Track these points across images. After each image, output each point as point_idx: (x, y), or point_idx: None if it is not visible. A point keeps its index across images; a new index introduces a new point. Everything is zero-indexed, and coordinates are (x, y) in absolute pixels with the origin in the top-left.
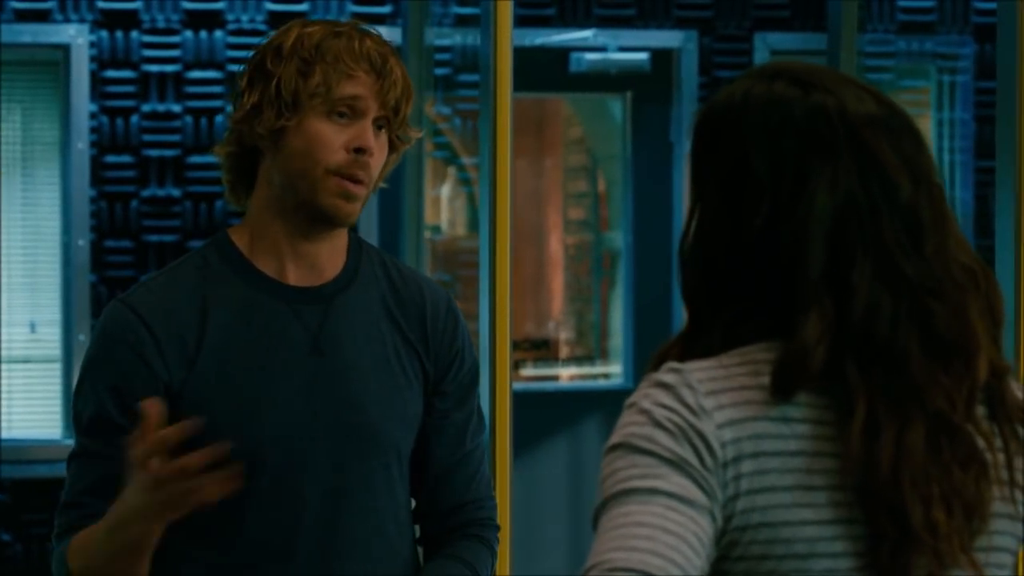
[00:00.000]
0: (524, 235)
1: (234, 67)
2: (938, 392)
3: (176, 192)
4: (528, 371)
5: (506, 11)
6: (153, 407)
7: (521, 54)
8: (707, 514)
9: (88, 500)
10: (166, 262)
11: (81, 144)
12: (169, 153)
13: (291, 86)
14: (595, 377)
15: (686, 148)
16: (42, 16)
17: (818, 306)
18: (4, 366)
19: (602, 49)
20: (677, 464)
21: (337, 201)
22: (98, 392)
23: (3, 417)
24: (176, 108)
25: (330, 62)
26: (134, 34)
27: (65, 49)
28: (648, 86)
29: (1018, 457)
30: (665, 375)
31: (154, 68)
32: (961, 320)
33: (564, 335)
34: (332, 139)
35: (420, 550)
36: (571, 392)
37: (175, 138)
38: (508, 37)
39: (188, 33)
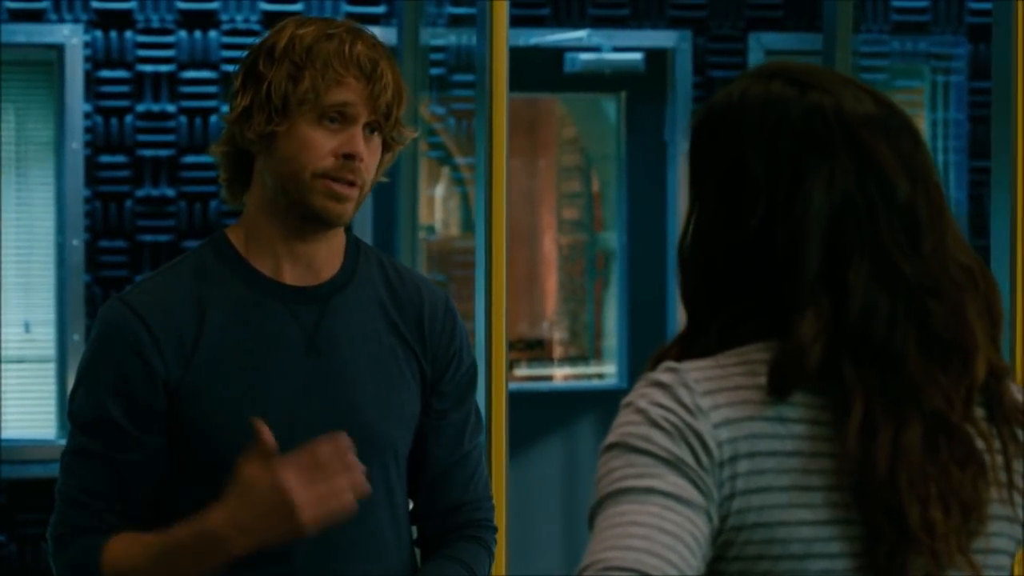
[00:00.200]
0: (518, 235)
1: (228, 67)
2: (935, 392)
3: (170, 192)
4: (522, 371)
5: (502, 11)
6: (263, 427)
7: (515, 54)
8: (703, 514)
9: (89, 500)
10: (160, 262)
11: (75, 144)
12: (163, 153)
13: (281, 91)
14: (589, 377)
15: (680, 148)
16: (36, 16)
17: (814, 306)
18: None
19: (596, 49)
20: (673, 464)
21: (327, 203)
22: (98, 391)
23: None
24: (170, 108)
25: (319, 68)
26: (128, 34)
27: (59, 49)
28: (642, 86)
29: (1016, 459)
30: (662, 374)
31: (148, 68)
32: (959, 319)
33: (558, 335)
34: (321, 145)
35: (417, 551)
36: (565, 392)
37: (169, 138)
38: (504, 37)
39: (182, 33)
